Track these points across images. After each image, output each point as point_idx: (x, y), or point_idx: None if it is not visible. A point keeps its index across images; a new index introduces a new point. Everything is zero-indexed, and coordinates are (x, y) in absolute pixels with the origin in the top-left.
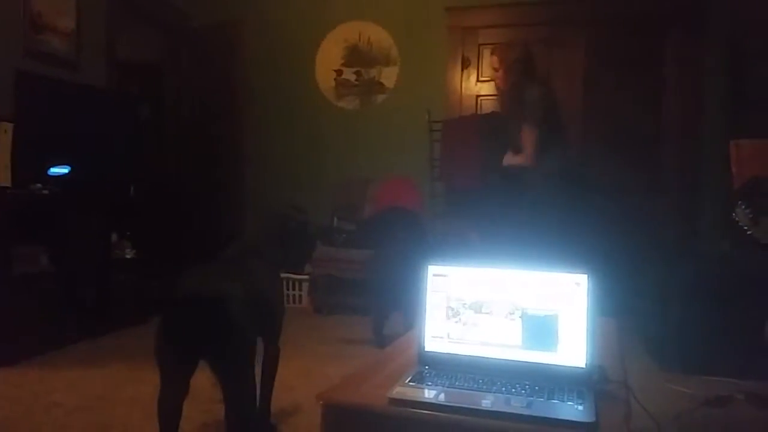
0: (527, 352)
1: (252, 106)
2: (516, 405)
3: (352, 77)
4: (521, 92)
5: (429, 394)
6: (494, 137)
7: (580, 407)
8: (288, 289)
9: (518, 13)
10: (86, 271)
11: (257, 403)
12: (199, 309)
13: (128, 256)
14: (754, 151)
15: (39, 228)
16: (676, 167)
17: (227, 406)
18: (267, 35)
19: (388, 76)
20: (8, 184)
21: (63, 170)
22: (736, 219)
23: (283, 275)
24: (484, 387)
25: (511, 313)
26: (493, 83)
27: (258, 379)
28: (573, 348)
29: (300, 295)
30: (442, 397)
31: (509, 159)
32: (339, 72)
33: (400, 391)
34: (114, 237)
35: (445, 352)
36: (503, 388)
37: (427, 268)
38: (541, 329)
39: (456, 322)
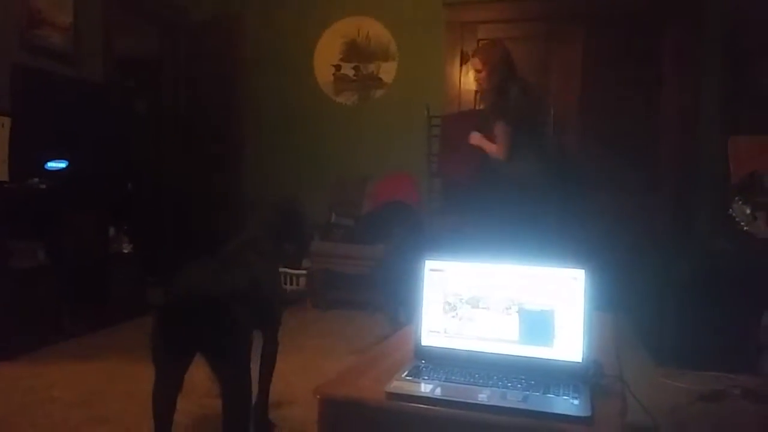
0: (524, 347)
1: (250, 101)
2: (512, 399)
3: (351, 72)
4: (503, 91)
5: (426, 388)
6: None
7: (576, 401)
8: (286, 284)
9: (517, 9)
10: (84, 266)
11: (254, 398)
12: (196, 304)
13: (126, 251)
14: (752, 148)
15: (36, 223)
16: (674, 163)
17: (224, 401)
18: (265, 30)
19: (387, 72)
20: (5, 178)
21: (60, 165)
22: (733, 215)
23: (281, 270)
24: (481, 381)
25: (508, 308)
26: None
27: (256, 373)
28: (569, 343)
29: (297, 290)
30: (438, 391)
31: (477, 141)
32: (338, 67)
33: (396, 385)
34: (112, 231)
35: (442, 346)
36: (499, 383)
37: (424, 263)
38: (537, 324)
39: (453, 316)
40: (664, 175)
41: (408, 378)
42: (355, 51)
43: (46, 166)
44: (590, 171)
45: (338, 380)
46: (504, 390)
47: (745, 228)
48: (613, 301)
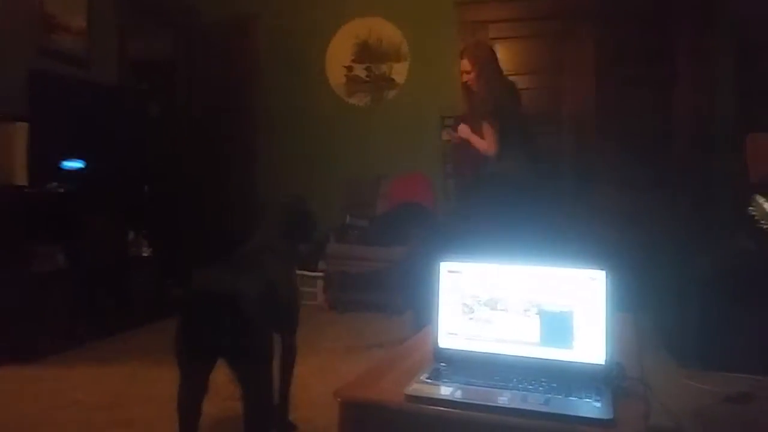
0: (544, 349)
1: (262, 103)
2: (533, 402)
3: (363, 73)
4: (491, 90)
5: (445, 390)
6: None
7: (598, 404)
8: (303, 286)
9: (528, 7)
10: (103, 269)
11: (275, 399)
12: (216, 307)
13: (145, 254)
14: None
15: (56, 226)
16: (690, 161)
17: (245, 403)
18: (277, 32)
19: (399, 72)
20: (24, 183)
21: (78, 168)
22: (754, 213)
23: (298, 272)
24: (501, 384)
25: (527, 310)
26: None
27: (275, 375)
28: (590, 345)
29: (315, 292)
30: (458, 393)
31: (466, 134)
32: (349, 68)
33: (416, 387)
34: (131, 235)
35: (461, 349)
36: (520, 385)
37: (440, 264)
38: (557, 326)
39: (470, 318)
40: (680, 173)
41: (427, 380)
42: (366, 52)
43: (63, 170)
44: (604, 169)
45: (357, 383)
46: (525, 393)
47: (765, 226)
48: (634, 302)
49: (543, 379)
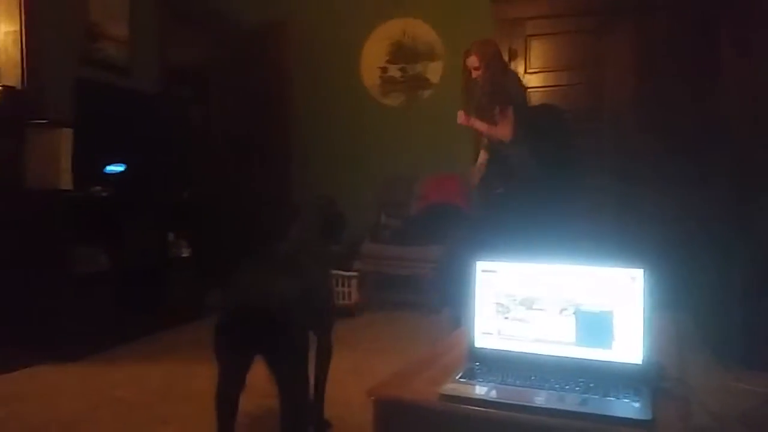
0: (581, 349)
1: (298, 106)
2: (570, 402)
3: (397, 74)
4: (503, 82)
5: (480, 390)
6: (545, 130)
7: (637, 404)
8: (337, 286)
9: (566, 3)
10: (144, 270)
11: (311, 397)
12: (255, 306)
13: (184, 255)
14: None
15: (98, 229)
16: (734, 156)
17: (282, 400)
18: (312, 35)
19: (434, 72)
20: (69, 187)
21: (120, 172)
22: None
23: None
24: (537, 384)
25: (564, 310)
26: (540, 75)
27: (311, 374)
28: (629, 344)
29: (349, 292)
30: (493, 393)
31: (483, 128)
32: (384, 69)
33: (451, 387)
34: (170, 237)
35: (496, 348)
36: (556, 386)
37: (476, 264)
38: (595, 325)
39: (506, 318)
40: (723, 168)
41: (462, 380)
42: (401, 52)
43: (106, 175)
44: (645, 165)
45: (392, 382)
46: (562, 393)
47: None
48: (675, 300)
49: (580, 379)
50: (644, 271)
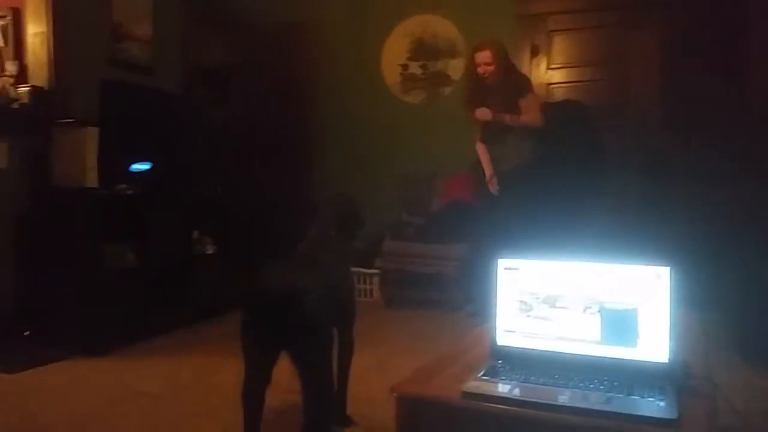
0: (606, 347)
1: (319, 104)
2: (594, 401)
3: (418, 71)
4: (518, 72)
5: (503, 388)
6: (569, 126)
7: (662, 403)
8: (359, 283)
9: None
10: (170, 267)
11: (334, 393)
12: (280, 303)
13: (209, 252)
14: None
15: (125, 226)
16: (763, 151)
17: (306, 395)
18: (333, 34)
19: (455, 68)
20: (96, 185)
21: (145, 171)
22: None
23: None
24: (561, 382)
25: (588, 308)
26: (563, 71)
27: (333, 369)
28: (654, 343)
29: (371, 289)
30: (516, 391)
31: (512, 120)
32: (405, 66)
33: (473, 385)
34: (195, 234)
35: (519, 346)
36: (580, 384)
37: (497, 261)
38: (620, 324)
39: (528, 316)
40: (751, 164)
41: (485, 378)
42: (422, 49)
43: (132, 173)
44: (671, 162)
45: (414, 379)
46: (586, 391)
47: None
48: (702, 299)
49: (604, 378)
50: (670, 269)
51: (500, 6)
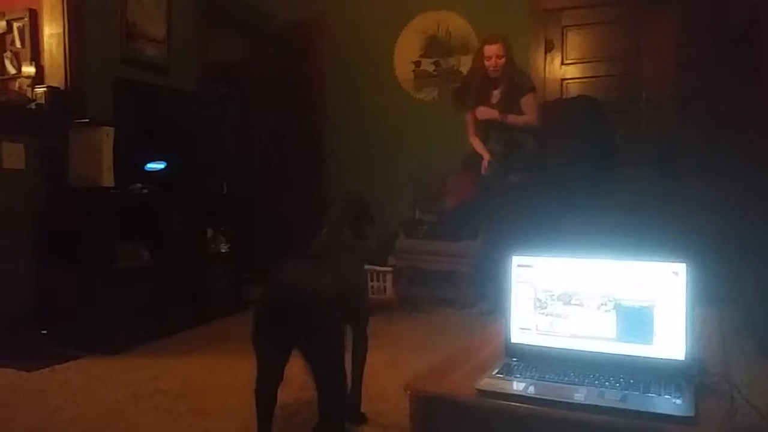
0: (621, 345)
1: (331, 101)
2: (610, 398)
3: (431, 68)
4: (518, 72)
5: (518, 386)
6: (583, 122)
7: (678, 401)
8: (372, 281)
9: None
10: (184, 265)
11: (348, 390)
12: (292, 300)
13: (223, 250)
14: None
15: (140, 225)
16: None
17: (320, 393)
18: (345, 31)
19: (467, 65)
20: (111, 184)
21: (160, 170)
22: None
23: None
24: (576, 380)
25: (603, 305)
26: (577, 66)
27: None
28: (671, 340)
29: (384, 287)
30: (531, 389)
31: (514, 120)
32: (417, 63)
33: (487, 382)
34: (209, 232)
35: (533, 344)
36: (596, 381)
37: (512, 258)
38: (636, 321)
39: (543, 313)
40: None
41: (499, 375)
42: (435, 46)
43: (147, 172)
44: (686, 156)
45: (428, 376)
46: (601, 389)
47: None
48: (719, 295)
49: (620, 375)
50: (687, 266)
51: (514, 2)
